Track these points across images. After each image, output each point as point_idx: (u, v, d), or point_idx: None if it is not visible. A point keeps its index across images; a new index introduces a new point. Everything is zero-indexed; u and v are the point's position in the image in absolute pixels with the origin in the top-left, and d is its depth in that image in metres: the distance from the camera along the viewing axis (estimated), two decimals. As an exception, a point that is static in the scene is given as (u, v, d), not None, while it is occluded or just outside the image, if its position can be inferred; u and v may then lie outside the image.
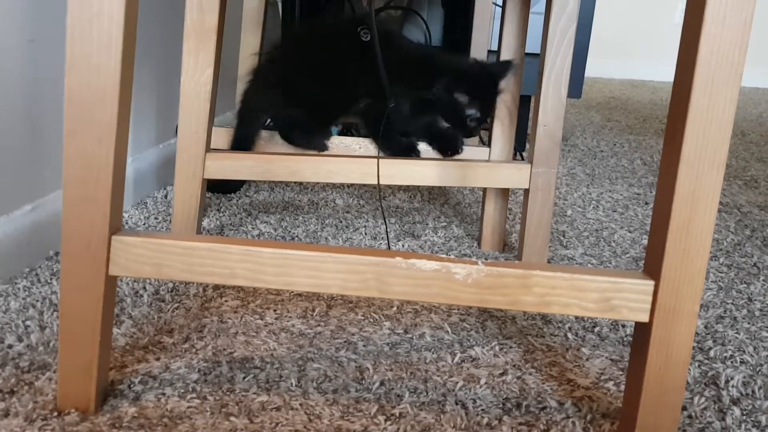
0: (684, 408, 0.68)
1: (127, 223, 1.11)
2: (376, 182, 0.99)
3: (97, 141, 0.56)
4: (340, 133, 1.56)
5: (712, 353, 0.80)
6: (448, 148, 1.02)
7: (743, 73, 0.53)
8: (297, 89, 1.06)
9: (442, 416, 0.64)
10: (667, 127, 0.57)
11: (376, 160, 0.99)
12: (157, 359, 0.71)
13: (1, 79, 0.84)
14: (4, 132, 0.86)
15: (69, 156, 0.56)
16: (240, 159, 0.99)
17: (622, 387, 0.71)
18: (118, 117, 0.56)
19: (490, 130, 1.10)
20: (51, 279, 0.87)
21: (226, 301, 0.86)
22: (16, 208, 0.89)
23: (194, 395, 0.65)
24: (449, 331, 0.82)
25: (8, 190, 0.87)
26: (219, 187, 1.33)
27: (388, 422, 0.63)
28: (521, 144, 1.94)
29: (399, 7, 1.81)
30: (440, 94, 0.98)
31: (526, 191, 1.02)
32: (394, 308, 0.87)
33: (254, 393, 0.66)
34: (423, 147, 1.06)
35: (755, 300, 0.96)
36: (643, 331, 0.59)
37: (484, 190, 1.12)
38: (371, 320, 0.83)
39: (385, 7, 1.80)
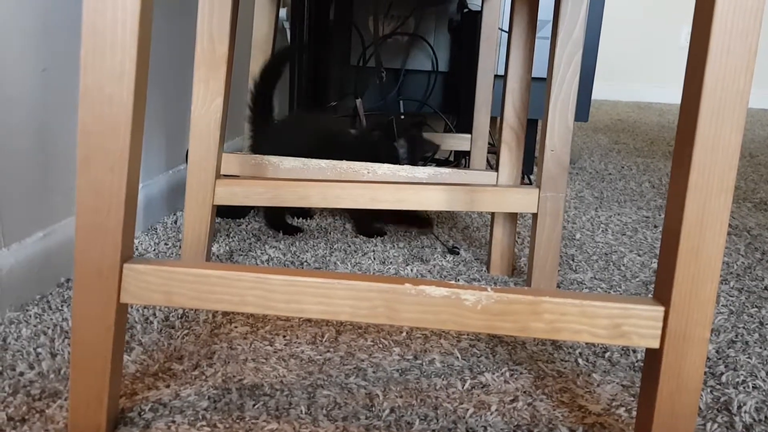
0: (697, 435, 0.68)
1: (137, 249, 1.12)
2: (384, 206, 1.00)
3: (109, 170, 0.57)
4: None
5: (724, 378, 0.79)
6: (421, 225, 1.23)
7: (749, 98, 0.54)
8: None
9: (452, 443, 0.64)
10: (674, 154, 0.57)
11: (384, 184, 0.99)
12: (167, 386, 0.71)
13: (15, 107, 0.86)
14: (16, 159, 0.87)
15: (81, 185, 0.57)
16: (249, 185, 0.99)
17: (634, 413, 0.71)
18: (131, 146, 0.57)
19: (497, 154, 1.11)
20: (62, 306, 0.88)
21: (236, 327, 0.86)
22: (28, 236, 0.89)
23: (204, 423, 0.65)
24: (459, 356, 0.81)
25: (20, 217, 0.88)
26: (228, 212, 1.34)
27: (399, 450, 0.63)
28: (529, 168, 1.95)
29: (406, 33, 1.83)
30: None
31: (535, 215, 1.02)
32: (404, 334, 0.87)
33: (264, 420, 0.66)
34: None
35: (767, 324, 0.95)
36: (653, 357, 0.59)
37: (493, 214, 1.12)
38: (381, 346, 0.83)
39: (392, 33, 1.82)
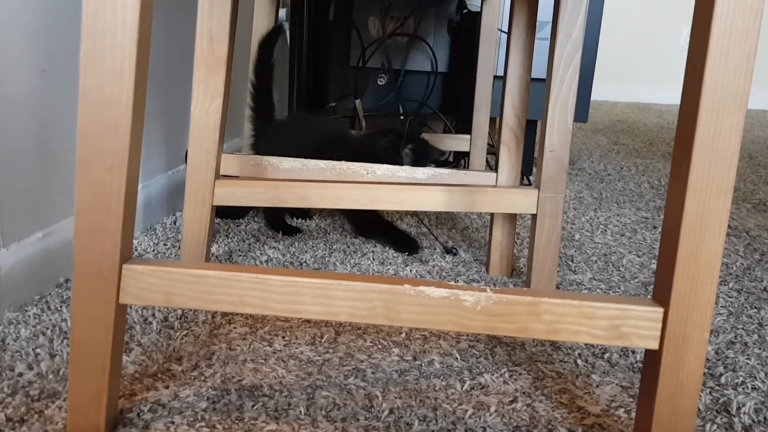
0: (696, 436, 0.68)
1: (136, 249, 1.12)
2: (383, 207, 1.00)
3: (108, 170, 0.57)
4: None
5: (723, 379, 0.79)
6: (406, 249, 1.20)
7: (748, 99, 0.54)
8: None
9: (451, 444, 0.64)
10: (673, 155, 0.57)
11: (383, 185, 0.99)
12: (167, 387, 0.71)
13: (14, 108, 0.86)
14: (16, 159, 0.87)
15: (81, 185, 0.57)
16: (249, 186, 0.99)
17: (633, 414, 0.71)
18: (130, 147, 0.57)
19: (497, 155, 1.11)
20: (61, 306, 0.88)
21: (235, 327, 0.86)
22: (27, 236, 0.89)
23: (203, 424, 0.65)
24: (458, 357, 0.81)
25: (19, 217, 0.88)
26: (227, 213, 1.34)
27: (398, 451, 0.63)
28: (528, 169, 1.95)
29: (406, 34, 1.83)
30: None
31: (534, 216, 1.02)
32: (403, 334, 0.86)
33: (263, 421, 0.66)
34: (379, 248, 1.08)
35: (766, 325, 0.95)
36: (653, 358, 0.59)
37: (492, 215, 1.12)
38: (380, 347, 0.83)
39: (392, 34, 1.82)
